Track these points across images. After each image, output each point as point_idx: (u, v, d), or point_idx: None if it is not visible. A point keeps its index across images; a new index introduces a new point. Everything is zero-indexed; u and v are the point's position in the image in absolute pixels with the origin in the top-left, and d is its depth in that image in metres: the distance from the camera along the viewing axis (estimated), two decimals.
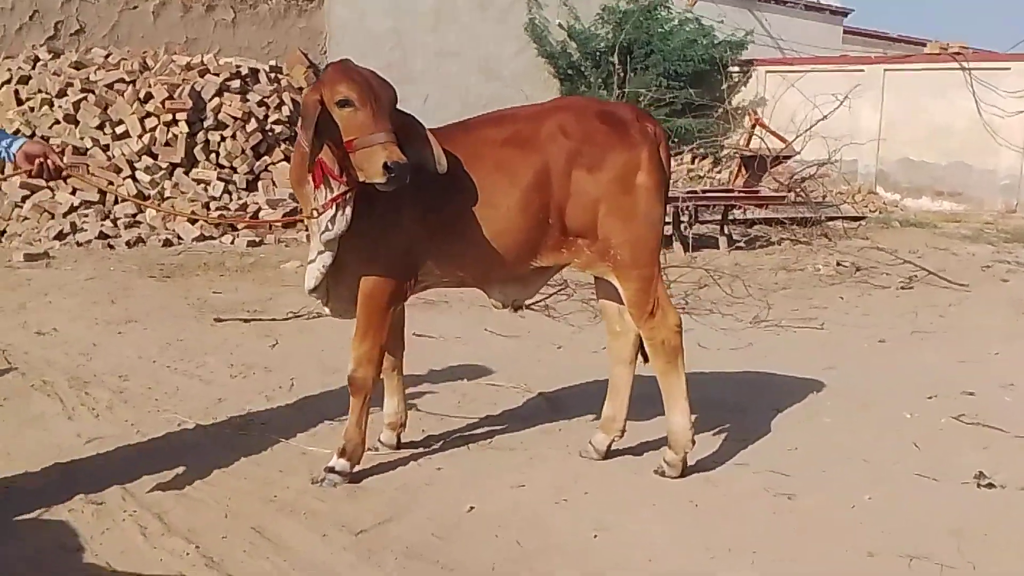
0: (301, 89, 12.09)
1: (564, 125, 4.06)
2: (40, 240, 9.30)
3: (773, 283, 9.32)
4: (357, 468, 4.08)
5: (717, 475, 4.31)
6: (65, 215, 9.77)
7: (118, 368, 5.53)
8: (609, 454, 4.44)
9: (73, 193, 10.02)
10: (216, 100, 11.04)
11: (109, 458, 4.16)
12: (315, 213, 3.77)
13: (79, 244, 9.30)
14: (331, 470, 4.02)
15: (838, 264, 10.05)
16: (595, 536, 3.64)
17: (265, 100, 11.41)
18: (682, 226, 10.74)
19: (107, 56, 11.65)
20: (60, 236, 9.34)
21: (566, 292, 8.09)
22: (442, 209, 3.96)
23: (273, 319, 6.86)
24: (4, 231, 9.55)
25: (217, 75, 11.32)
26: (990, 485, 4.26)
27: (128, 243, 9.47)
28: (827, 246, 11.21)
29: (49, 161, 3.47)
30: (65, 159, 10.01)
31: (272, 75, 11.99)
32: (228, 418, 4.78)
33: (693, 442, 4.23)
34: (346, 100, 3.60)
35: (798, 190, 12.24)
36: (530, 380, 5.65)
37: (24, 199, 9.91)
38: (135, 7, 12.76)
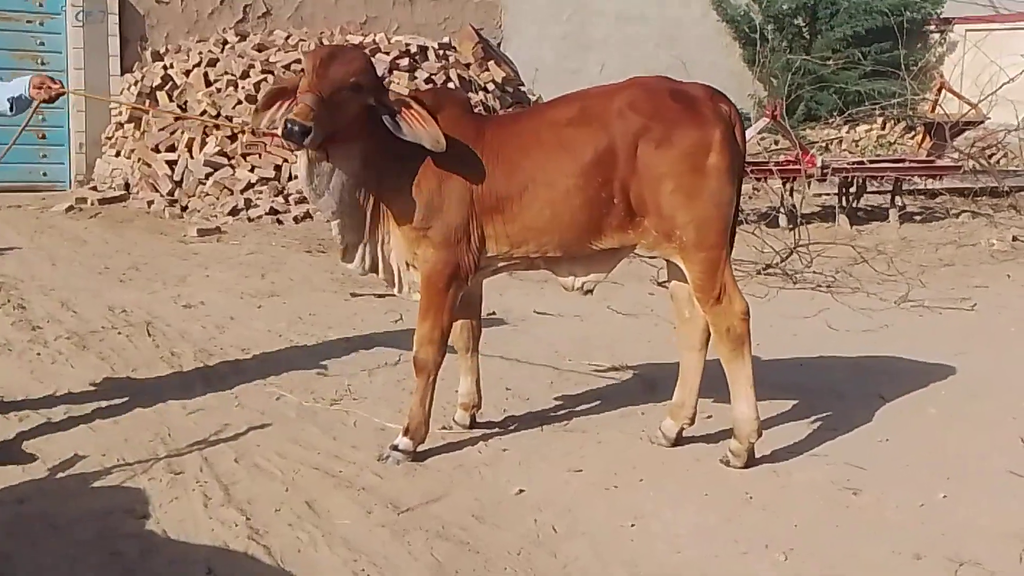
0: (468, 65, 12.34)
1: (634, 102, 4.06)
2: (216, 215, 9.94)
3: (936, 259, 8.86)
4: (422, 447, 4.24)
5: (786, 466, 4.22)
6: (242, 191, 10.39)
7: (245, 341, 5.89)
8: (680, 441, 4.41)
9: (252, 170, 10.64)
10: (386, 79, 11.42)
11: (202, 429, 4.47)
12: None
13: (250, 220, 9.89)
14: (395, 448, 4.18)
15: (1014, 239, 9.42)
16: (631, 525, 3.65)
17: (432, 77, 11.70)
18: (848, 198, 10.31)
19: (287, 38, 12.24)
20: (234, 212, 9.96)
21: None
22: (500, 190, 4.05)
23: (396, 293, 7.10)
24: (187, 207, 10.26)
25: (387, 54, 11.69)
26: None
27: (296, 219, 9.99)
28: (1010, 220, 10.51)
29: (47, 83, 4.26)
30: (245, 138, 10.66)
31: (441, 52, 12.27)
32: (325, 392, 5.03)
33: (759, 432, 4.14)
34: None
35: (981, 159, 11.48)
36: (633, 360, 5.65)
37: (207, 176, 10.58)
38: None
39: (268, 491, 3.88)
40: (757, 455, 4.20)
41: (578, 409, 4.87)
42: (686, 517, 3.72)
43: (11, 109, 4.37)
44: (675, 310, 4.41)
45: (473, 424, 4.57)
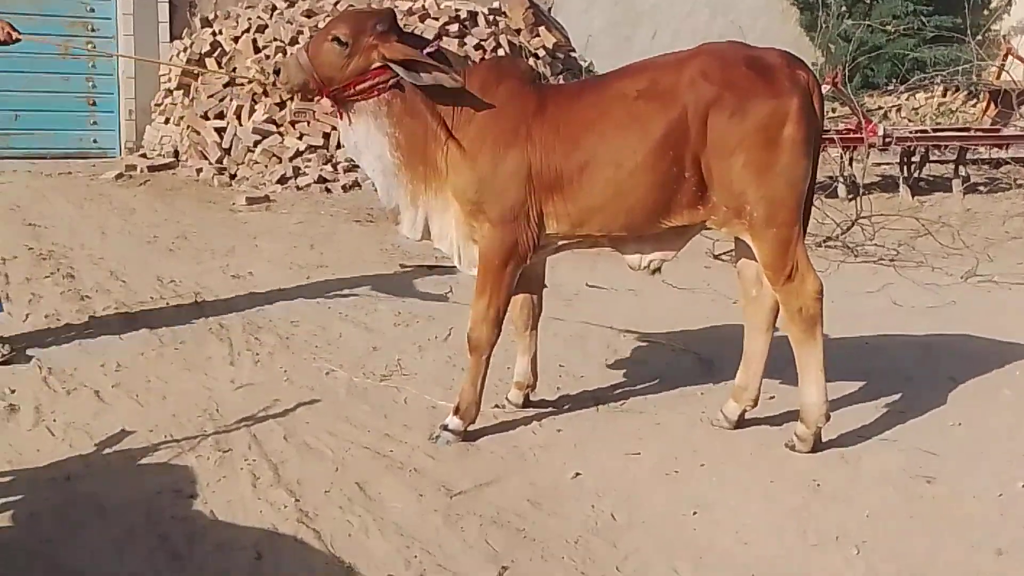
0: (519, 31, 12.12)
1: (706, 70, 3.84)
2: (265, 184, 9.86)
3: (1003, 232, 8.56)
4: (473, 427, 4.11)
5: (855, 451, 4.04)
6: (291, 159, 10.30)
7: (293, 315, 5.79)
8: (742, 423, 4.25)
9: (300, 138, 10.54)
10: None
11: (251, 405, 4.38)
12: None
13: (299, 188, 9.79)
14: (445, 428, 4.07)
15: None
16: (694, 513, 3.51)
17: (482, 43, 11.49)
18: (910, 168, 10.00)
19: (336, 3, 12.08)
20: (282, 180, 9.86)
21: None
22: (561, 166, 3.88)
23: (456, 266, 6.97)
24: (235, 175, 10.18)
25: (436, 20, 11.50)
26: None
27: (344, 187, 9.88)
28: None
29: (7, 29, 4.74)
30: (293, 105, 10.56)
31: (491, 18, 12.05)
32: (376, 368, 4.92)
33: (827, 416, 3.97)
34: None
35: None
36: (689, 338, 5.48)
37: (256, 144, 10.49)
38: None
39: (318, 472, 3.78)
40: (824, 440, 4.02)
41: (634, 389, 4.72)
42: (752, 506, 3.57)
43: None
44: (741, 289, 4.23)
45: (527, 404, 4.44)
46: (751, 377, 4.18)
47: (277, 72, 4.05)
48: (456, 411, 4.08)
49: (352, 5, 11.95)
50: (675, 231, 4.04)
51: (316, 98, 4.11)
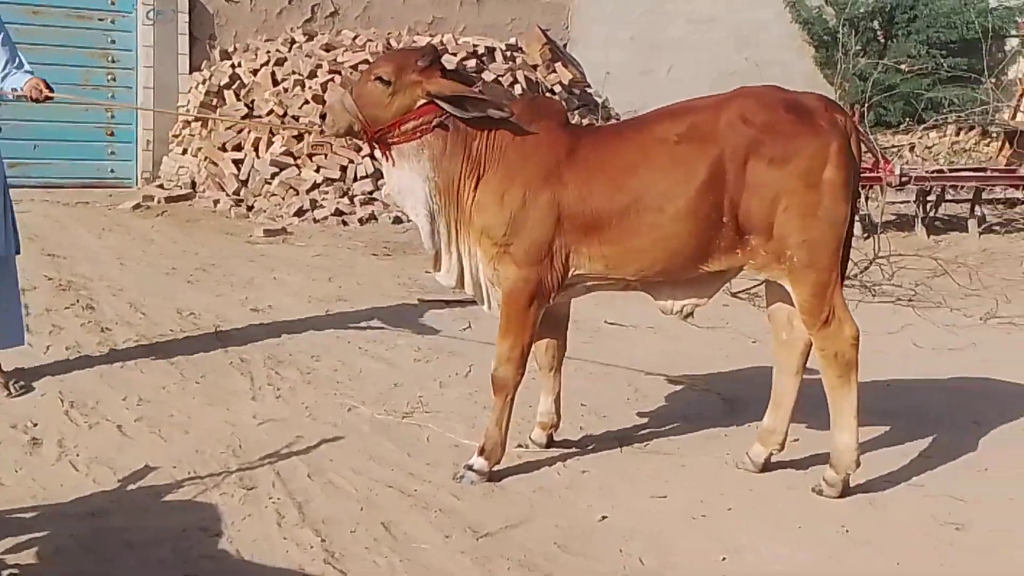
0: (536, 67, 12.18)
1: (745, 113, 3.84)
2: (282, 216, 9.89)
3: (1021, 273, 8.54)
4: (498, 467, 4.09)
5: (883, 497, 4.01)
6: (308, 191, 10.33)
7: (314, 348, 5.79)
8: (768, 467, 4.22)
9: (317, 171, 10.57)
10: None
11: (274, 441, 4.37)
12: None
13: (316, 221, 9.81)
14: (470, 468, 4.05)
15: None
16: (723, 559, 3.48)
17: (499, 79, 11.56)
18: (926, 207, 10.00)
19: (355, 38, 12.17)
20: (300, 212, 9.89)
21: None
22: (598, 208, 3.86)
23: (474, 301, 6.97)
24: (252, 207, 10.21)
25: (454, 55, 11.57)
26: None
27: (361, 220, 9.90)
28: None
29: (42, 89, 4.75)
30: (311, 138, 10.63)
31: (508, 53, 12.13)
32: (397, 404, 4.91)
33: (858, 463, 3.94)
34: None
35: None
36: (713, 377, 5.47)
37: (273, 176, 10.53)
38: None
39: (343, 510, 3.76)
40: (854, 485, 3.99)
41: (659, 429, 4.69)
42: (781, 552, 3.54)
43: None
44: (773, 332, 4.20)
45: (550, 444, 4.42)
46: (779, 421, 4.15)
47: (323, 117, 4.06)
48: (481, 451, 4.06)
49: (370, 40, 12.06)
50: (710, 276, 4.01)
51: (364, 141, 4.09)
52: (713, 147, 3.79)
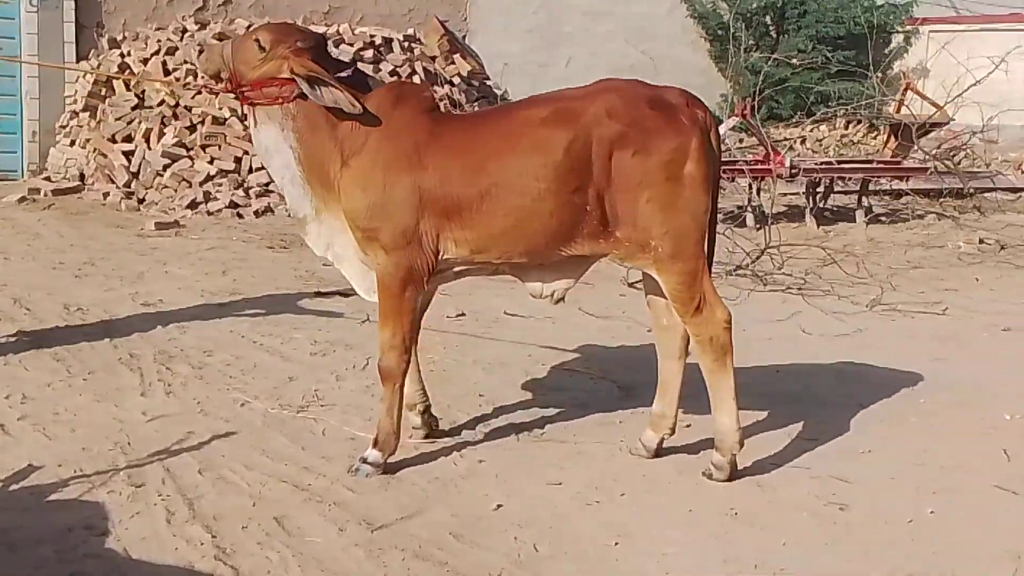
0: (434, 58, 12.15)
1: (611, 108, 3.91)
2: (174, 209, 9.69)
3: (905, 261, 8.84)
4: (394, 459, 4.08)
5: (770, 479, 4.11)
6: (201, 184, 10.13)
7: (206, 343, 5.69)
8: (660, 452, 4.29)
9: (211, 162, 10.38)
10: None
11: (164, 438, 4.28)
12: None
13: (210, 213, 9.64)
14: (364, 460, 4.02)
15: (981, 242, 9.43)
16: (615, 544, 3.52)
17: (397, 69, 11.51)
18: (815, 198, 10.27)
19: (248, 27, 11.95)
20: (193, 205, 9.71)
21: None
22: (459, 192, 3.89)
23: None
24: (144, 199, 9.98)
25: (351, 45, 11.48)
26: None
27: (256, 212, 9.77)
28: (976, 222, 10.53)
29: None
30: (204, 129, 10.45)
31: (406, 44, 12.08)
32: (292, 398, 4.85)
33: (741, 444, 4.04)
34: None
35: (946, 160, 11.50)
36: (608, 365, 5.53)
37: (165, 168, 10.30)
38: None
39: (235, 506, 3.70)
40: (739, 467, 4.09)
41: (555, 417, 4.73)
42: (672, 534, 3.59)
43: None
44: (652, 318, 4.30)
45: (432, 431, 4.42)
46: (668, 405, 4.23)
47: (200, 54, 4.21)
48: (375, 443, 4.04)
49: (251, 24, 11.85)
50: (576, 259, 4.08)
51: (224, 88, 4.24)
52: (577, 135, 3.85)
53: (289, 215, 4.27)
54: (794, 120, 14.87)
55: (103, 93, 10.89)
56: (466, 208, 3.88)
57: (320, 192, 4.03)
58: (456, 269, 4.08)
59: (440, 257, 3.96)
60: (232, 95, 4.29)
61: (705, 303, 3.94)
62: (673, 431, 4.27)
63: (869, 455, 4.41)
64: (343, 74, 3.98)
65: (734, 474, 4.05)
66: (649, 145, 3.86)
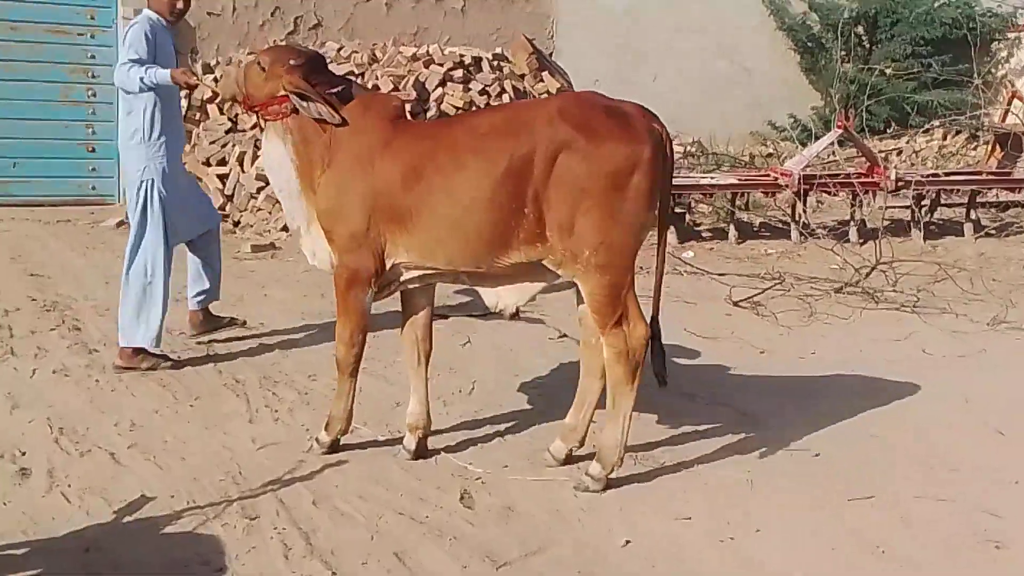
0: (523, 76, 12.03)
1: (563, 110, 3.90)
2: (269, 231, 9.69)
3: (1022, 277, 8.42)
4: (346, 439, 4.34)
5: (913, 513, 3.85)
6: None
7: (310, 367, 5.60)
8: (569, 461, 4.24)
9: None
10: (439, 90, 11.13)
11: (276, 466, 4.18)
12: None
13: None
14: (316, 440, 4.37)
15: None
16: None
17: (487, 88, 11.39)
18: (921, 211, 9.89)
19: (339, 49, 11.99)
20: (287, 227, 9.66)
21: (782, 287, 7.61)
22: (402, 198, 3.98)
23: (470, 315, 6.79)
24: (239, 222, 10.01)
25: (441, 65, 11.41)
26: None
27: None
28: None
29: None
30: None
31: (495, 63, 11.96)
32: (400, 424, 4.70)
33: (621, 460, 3.99)
34: None
35: None
36: (723, 390, 5.31)
37: (259, 190, 10.31)
38: (368, 0, 13.09)
39: (352, 539, 3.58)
40: (866, 496, 3.86)
41: (675, 443, 4.54)
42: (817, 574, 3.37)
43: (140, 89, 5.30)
44: (582, 335, 4.29)
45: (419, 450, 4.36)
46: (581, 420, 4.26)
47: (216, 80, 4.26)
48: (326, 426, 4.33)
49: (355, 52, 11.90)
50: (531, 279, 4.08)
51: (243, 109, 4.67)
52: (523, 139, 3.85)
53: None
54: (890, 132, 14.43)
55: (197, 118, 10.95)
56: (408, 214, 3.98)
57: (312, 201, 4.21)
58: (409, 275, 4.16)
59: (389, 261, 4.08)
60: (248, 114, 4.51)
61: (627, 319, 3.90)
62: (582, 443, 4.29)
63: (1018, 486, 4.13)
64: (334, 89, 4.15)
65: (606, 488, 3.99)
66: (599, 149, 3.81)
